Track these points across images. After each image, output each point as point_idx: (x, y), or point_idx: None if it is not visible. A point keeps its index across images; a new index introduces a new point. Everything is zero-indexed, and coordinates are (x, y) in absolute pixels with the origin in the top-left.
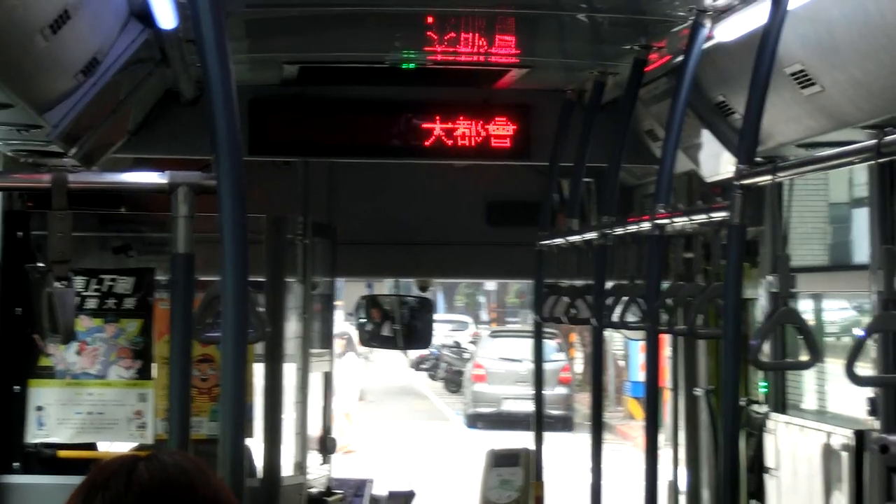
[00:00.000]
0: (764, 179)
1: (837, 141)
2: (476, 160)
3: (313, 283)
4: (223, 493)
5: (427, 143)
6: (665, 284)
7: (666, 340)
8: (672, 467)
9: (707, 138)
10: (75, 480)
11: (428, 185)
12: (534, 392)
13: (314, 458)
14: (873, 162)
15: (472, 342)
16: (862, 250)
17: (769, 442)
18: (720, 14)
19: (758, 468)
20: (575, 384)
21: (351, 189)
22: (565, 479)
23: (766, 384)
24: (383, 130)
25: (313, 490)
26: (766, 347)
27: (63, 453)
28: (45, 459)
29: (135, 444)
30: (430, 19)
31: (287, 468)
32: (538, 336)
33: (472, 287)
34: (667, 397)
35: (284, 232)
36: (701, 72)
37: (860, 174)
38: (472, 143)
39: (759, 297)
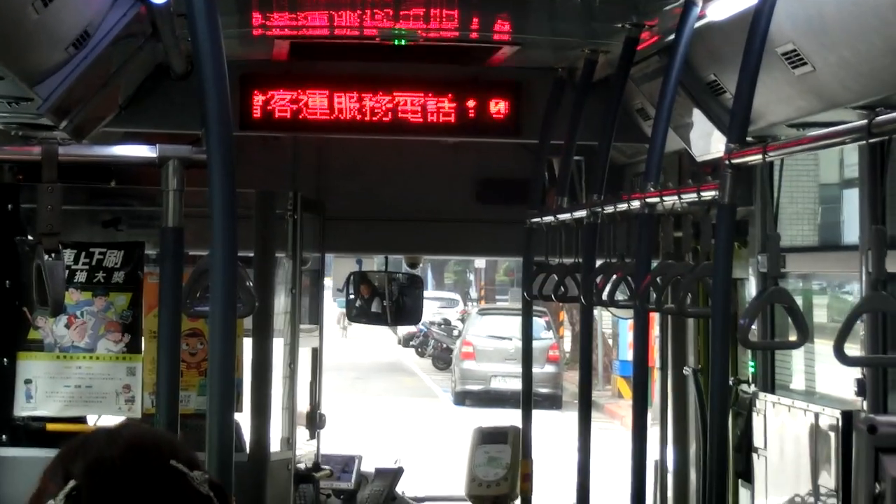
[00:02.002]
0: (754, 159)
1: (828, 121)
2: (466, 137)
3: (302, 258)
4: (197, 458)
5: (417, 120)
6: (654, 263)
7: (655, 319)
8: (660, 446)
9: (698, 117)
10: None
11: (418, 162)
12: (522, 370)
13: (302, 433)
14: (864, 142)
15: (460, 319)
16: (852, 231)
17: (757, 422)
18: None
19: (746, 448)
20: (563, 362)
21: (341, 165)
22: (553, 458)
23: (754, 364)
24: (374, 107)
25: (301, 465)
26: (755, 327)
27: (51, 426)
28: (34, 432)
29: (123, 419)
30: None
31: (275, 444)
32: (527, 314)
33: (461, 264)
34: (655, 376)
35: (274, 207)
36: (692, 51)
37: (851, 155)
38: (463, 121)
39: (749, 276)
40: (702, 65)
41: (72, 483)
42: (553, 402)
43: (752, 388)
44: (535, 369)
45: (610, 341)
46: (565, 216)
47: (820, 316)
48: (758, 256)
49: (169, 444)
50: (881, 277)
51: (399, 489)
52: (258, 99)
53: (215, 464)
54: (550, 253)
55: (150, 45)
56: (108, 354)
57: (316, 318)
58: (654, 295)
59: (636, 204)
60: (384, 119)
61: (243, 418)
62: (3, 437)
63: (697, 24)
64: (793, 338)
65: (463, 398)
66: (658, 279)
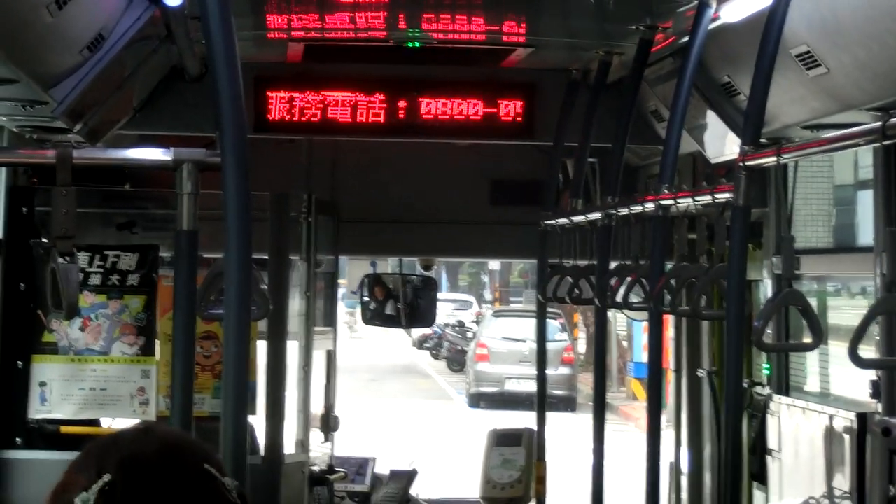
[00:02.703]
0: (768, 161)
1: (842, 123)
2: (480, 139)
3: (316, 260)
4: (224, 464)
5: (431, 122)
6: (669, 265)
7: (669, 321)
8: (674, 448)
9: (712, 119)
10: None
11: (432, 164)
12: (537, 372)
13: (316, 436)
14: (878, 144)
15: (475, 322)
16: (866, 232)
17: (772, 424)
18: None
19: (760, 450)
20: (578, 364)
21: (355, 167)
22: (567, 460)
23: (769, 366)
24: (387, 109)
25: (315, 468)
26: (770, 329)
27: (66, 429)
28: (48, 435)
29: (137, 421)
30: None
31: (289, 446)
32: (541, 316)
33: (475, 266)
34: (669, 378)
35: (288, 209)
36: (706, 52)
37: (865, 156)
38: (477, 123)
39: (763, 278)
40: (716, 66)
41: (106, 477)
42: (567, 404)
43: (767, 390)
44: (550, 371)
45: (624, 343)
46: (579, 218)
47: (834, 318)
48: (772, 258)
49: (201, 447)
50: (895, 279)
51: (413, 491)
52: (273, 101)
53: (230, 466)
54: (565, 255)
55: (165, 47)
56: (123, 357)
57: (330, 320)
58: (669, 297)
59: (650, 206)
60: (399, 121)
61: (257, 421)
62: (18, 439)
63: (711, 26)
64: (807, 340)
65: (477, 400)
66: (672, 281)
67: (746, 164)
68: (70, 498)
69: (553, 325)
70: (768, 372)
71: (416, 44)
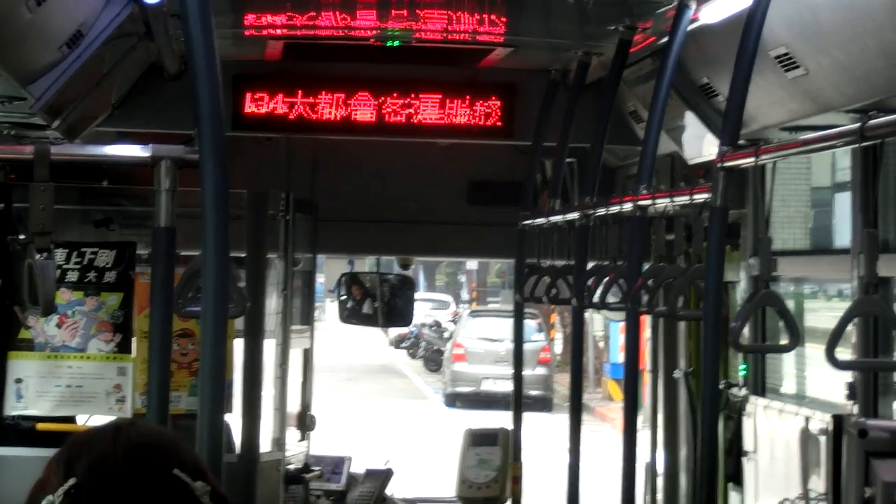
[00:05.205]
0: (746, 162)
1: (821, 124)
2: (459, 139)
3: (294, 259)
4: (203, 463)
5: (410, 121)
6: (646, 266)
7: (646, 322)
8: (650, 450)
9: (690, 120)
10: (53, 453)
11: (410, 163)
12: (513, 372)
13: (292, 434)
14: (857, 146)
15: (452, 321)
16: (844, 234)
17: (748, 425)
18: None
19: (736, 451)
20: (554, 365)
21: (333, 166)
22: (543, 460)
23: (745, 367)
24: (367, 108)
25: (291, 466)
26: (746, 330)
27: (41, 426)
28: (24, 432)
29: (113, 418)
30: None
31: (265, 444)
32: (519, 316)
33: (453, 266)
34: (646, 379)
35: (266, 207)
36: (685, 53)
37: (843, 158)
38: (456, 122)
39: (741, 279)
40: (695, 67)
41: (72, 481)
42: (544, 404)
43: (743, 391)
44: (526, 371)
45: (601, 344)
46: (557, 218)
47: (811, 320)
48: (749, 259)
49: (175, 450)
50: (872, 281)
51: (389, 491)
52: (251, 99)
53: None
54: (543, 255)
55: (144, 44)
56: (99, 354)
57: (307, 318)
58: (646, 297)
59: (628, 206)
60: (377, 120)
61: (234, 419)
62: None
63: (690, 27)
64: (784, 341)
65: (454, 400)
66: (650, 282)
67: (724, 165)
68: (41, 498)
69: (530, 325)
70: (744, 373)
71: (396, 43)
